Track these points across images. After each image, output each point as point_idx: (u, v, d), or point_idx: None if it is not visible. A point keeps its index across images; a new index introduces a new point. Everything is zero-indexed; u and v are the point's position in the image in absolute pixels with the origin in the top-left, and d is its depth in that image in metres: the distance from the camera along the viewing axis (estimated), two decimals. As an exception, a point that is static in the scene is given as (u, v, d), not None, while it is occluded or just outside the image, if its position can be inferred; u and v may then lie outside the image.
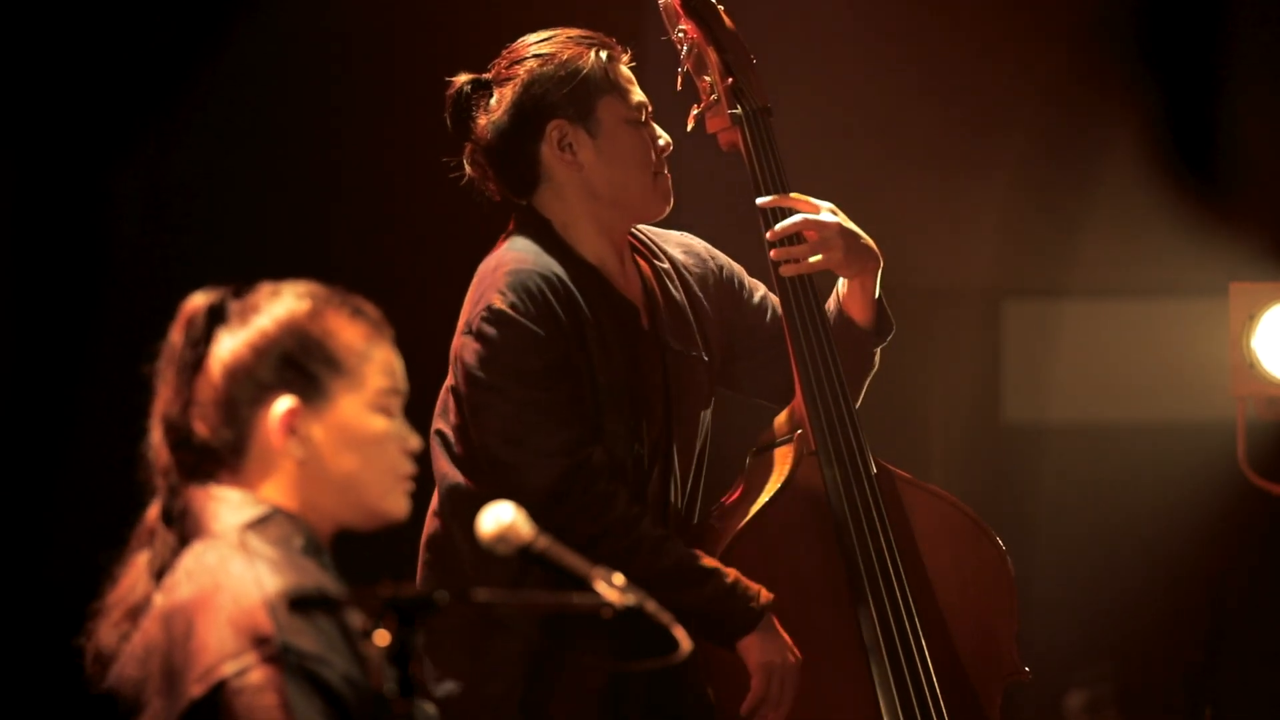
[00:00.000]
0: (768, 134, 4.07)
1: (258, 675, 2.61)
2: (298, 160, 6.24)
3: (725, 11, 4.14)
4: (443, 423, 3.89)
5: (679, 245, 4.13)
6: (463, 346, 3.81)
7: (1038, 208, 7.08)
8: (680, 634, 2.77)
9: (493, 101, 3.90)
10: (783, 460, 4.02)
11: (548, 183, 3.93)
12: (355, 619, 2.70)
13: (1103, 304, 7.27)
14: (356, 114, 6.34)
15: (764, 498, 3.97)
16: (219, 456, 2.80)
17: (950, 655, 3.96)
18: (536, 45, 3.92)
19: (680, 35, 4.13)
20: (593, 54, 3.90)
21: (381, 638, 2.60)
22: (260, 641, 2.62)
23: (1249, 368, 5.71)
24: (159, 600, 2.74)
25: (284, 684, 2.60)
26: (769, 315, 4.16)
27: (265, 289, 2.85)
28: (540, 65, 3.89)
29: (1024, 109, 6.99)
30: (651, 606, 2.75)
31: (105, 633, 2.80)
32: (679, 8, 4.12)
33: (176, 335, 2.83)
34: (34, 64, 5.87)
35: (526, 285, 3.80)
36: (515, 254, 3.87)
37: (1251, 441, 5.87)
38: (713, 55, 4.10)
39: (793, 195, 4.04)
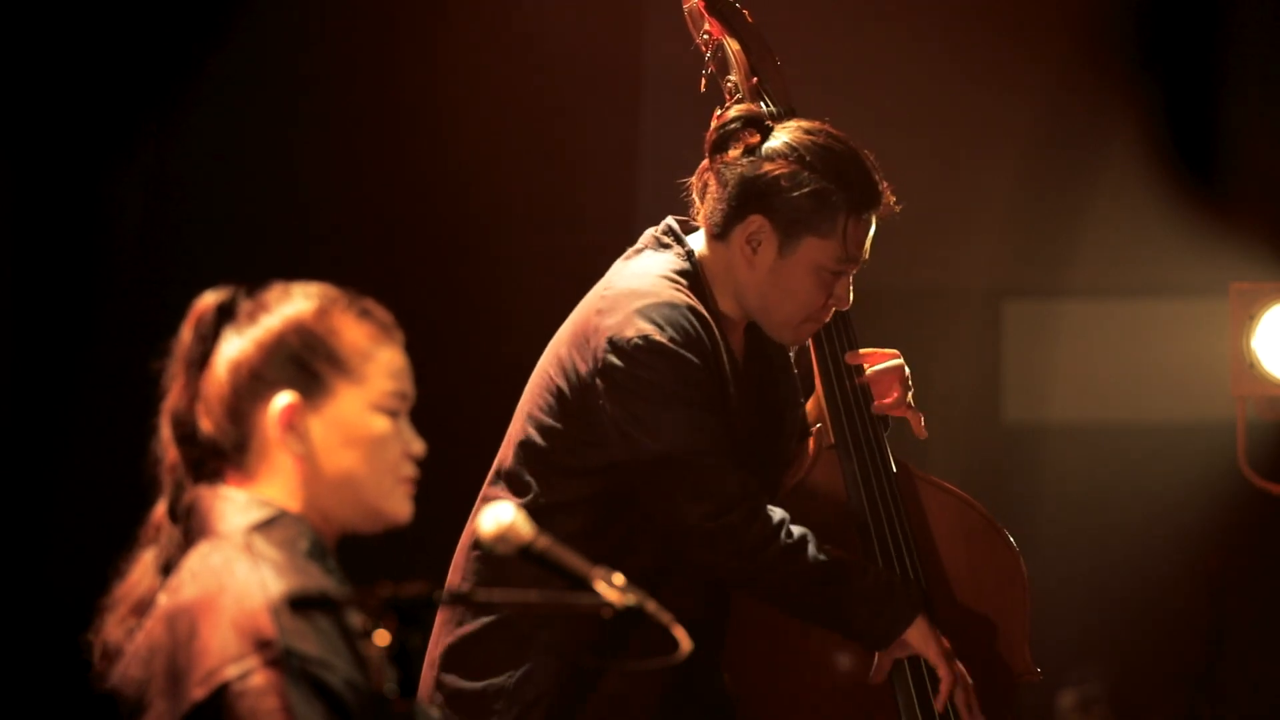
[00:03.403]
0: None
1: (260, 679, 2.61)
2: (298, 160, 6.24)
3: (749, 14, 4.15)
4: (532, 427, 3.89)
5: None
6: (611, 367, 3.78)
7: (1038, 208, 7.09)
8: (680, 634, 2.77)
9: (751, 151, 3.87)
10: (800, 454, 4.03)
11: (724, 247, 3.91)
12: (357, 621, 2.70)
13: (1103, 304, 7.27)
14: (358, 114, 6.34)
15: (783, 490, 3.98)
16: (224, 453, 2.80)
17: (966, 653, 3.96)
18: (814, 151, 3.86)
19: (705, 38, 4.14)
20: (843, 197, 3.85)
21: (381, 638, 2.60)
22: (263, 645, 2.62)
23: (1249, 368, 5.71)
24: (163, 600, 2.74)
25: (286, 688, 2.60)
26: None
27: (276, 289, 2.86)
28: (795, 170, 3.85)
29: (1024, 109, 7.00)
30: (652, 606, 2.75)
31: (112, 627, 2.81)
32: (703, 9, 4.13)
33: (186, 332, 2.84)
34: (33, 64, 5.87)
35: (681, 323, 3.80)
36: (656, 281, 3.87)
37: (1251, 441, 5.87)
38: (738, 56, 4.11)
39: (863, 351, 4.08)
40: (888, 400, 4.03)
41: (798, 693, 3.93)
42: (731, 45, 4.12)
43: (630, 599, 2.74)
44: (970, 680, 3.89)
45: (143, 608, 2.78)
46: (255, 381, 2.79)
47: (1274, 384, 5.71)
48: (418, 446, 2.85)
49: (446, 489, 4.01)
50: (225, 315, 2.83)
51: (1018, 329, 7.29)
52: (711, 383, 3.82)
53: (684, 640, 2.77)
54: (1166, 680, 7.10)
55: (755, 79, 4.09)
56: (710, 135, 3.92)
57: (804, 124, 3.92)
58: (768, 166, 3.86)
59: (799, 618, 3.87)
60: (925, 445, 3.99)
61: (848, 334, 4.05)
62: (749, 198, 3.86)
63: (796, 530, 3.80)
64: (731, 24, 4.14)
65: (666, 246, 3.94)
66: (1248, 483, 5.90)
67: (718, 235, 3.91)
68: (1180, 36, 6.94)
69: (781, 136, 3.88)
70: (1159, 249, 6.97)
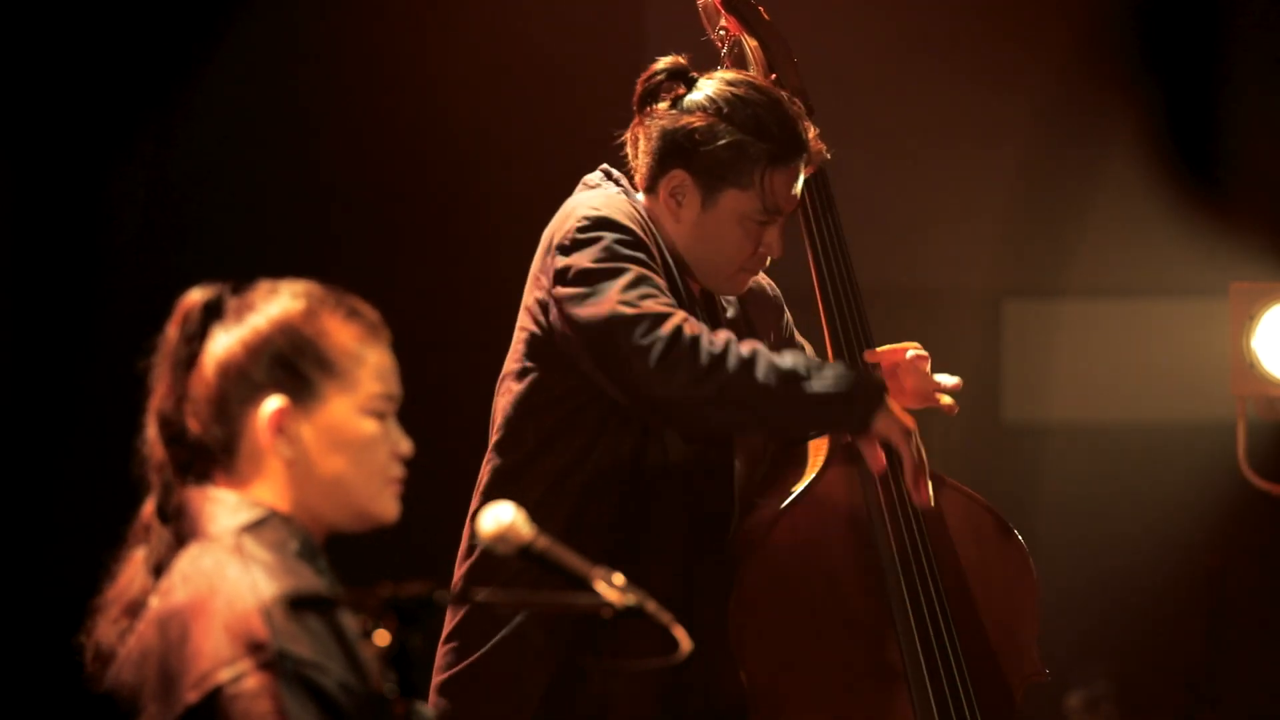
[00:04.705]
0: None
1: (253, 682, 2.60)
2: (297, 160, 6.24)
3: (764, 10, 4.16)
4: (510, 381, 3.89)
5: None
6: (559, 260, 3.78)
7: (1038, 208, 7.09)
8: (680, 634, 2.77)
9: (674, 105, 3.89)
10: (815, 452, 4.03)
11: (654, 201, 3.94)
12: (351, 622, 2.69)
13: (1103, 304, 7.27)
14: (356, 114, 6.34)
15: (797, 487, 3.97)
16: (212, 454, 2.79)
17: (978, 653, 3.97)
18: (735, 103, 3.87)
19: (721, 34, 4.15)
20: (760, 149, 3.86)
21: (381, 638, 2.60)
22: (256, 648, 2.61)
23: (1249, 368, 5.71)
24: (154, 603, 2.73)
25: (279, 690, 2.59)
26: None
27: (263, 287, 2.84)
28: (713, 122, 3.87)
29: (1024, 109, 7.00)
30: (652, 606, 2.75)
31: (104, 629, 2.80)
32: (719, 5, 4.14)
33: (172, 330, 2.83)
34: (34, 64, 5.87)
35: (619, 208, 3.82)
36: (606, 195, 3.89)
37: (1251, 441, 5.87)
38: (756, 51, 4.12)
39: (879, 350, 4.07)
40: (905, 396, 4.04)
41: (814, 686, 3.93)
42: (749, 42, 4.14)
43: (630, 599, 2.74)
44: (925, 460, 3.86)
45: (135, 608, 2.77)
46: (243, 383, 2.78)
47: (1274, 384, 5.71)
48: (405, 447, 2.84)
49: (446, 489, 4.01)
50: (212, 313, 2.82)
51: (1018, 329, 7.28)
52: (650, 251, 3.79)
53: (684, 640, 2.76)
54: (1166, 680, 7.10)
55: (774, 75, 4.10)
56: (638, 89, 3.94)
57: (728, 74, 3.94)
58: (686, 120, 3.88)
59: (775, 429, 3.85)
60: (926, 445, 4.00)
61: (864, 331, 4.05)
62: (669, 152, 3.88)
63: (746, 346, 3.73)
64: (749, 21, 4.15)
65: (594, 186, 3.96)
66: (1248, 483, 5.90)
67: (648, 189, 3.94)
68: (1180, 37, 6.94)
69: (704, 89, 3.90)
70: (1159, 249, 6.97)
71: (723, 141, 3.86)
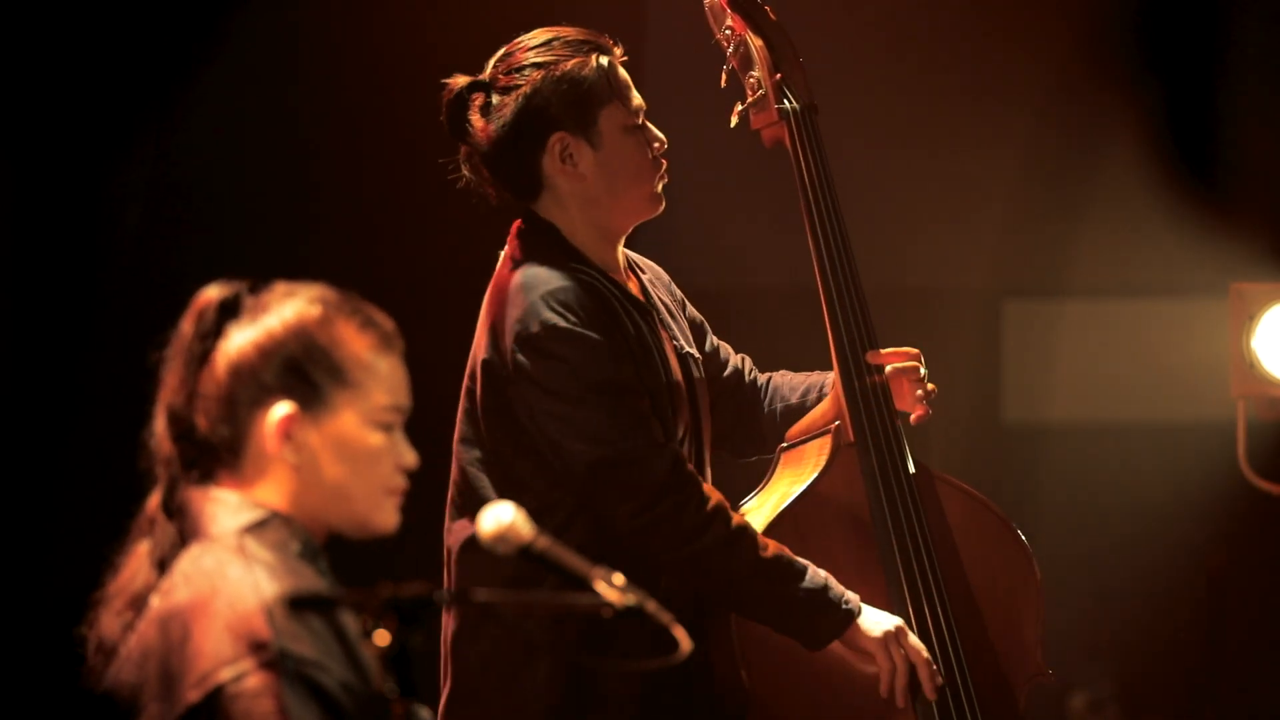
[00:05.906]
0: (815, 131, 4.10)
1: (255, 681, 2.60)
2: (298, 160, 6.24)
3: (771, 9, 4.17)
4: (476, 450, 3.88)
5: (642, 260, 4.15)
6: (522, 365, 3.77)
7: (1038, 208, 7.09)
8: (680, 634, 2.77)
9: (491, 108, 3.89)
10: (818, 452, 4.03)
11: (549, 191, 3.92)
12: (352, 622, 2.69)
13: (1103, 304, 7.27)
14: (357, 114, 6.34)
15: (799, 488, 3.98)
16: (217, 453, 2.79)
17: (980, 653, 3.97)
18: (536, 53, 3.91)
19: (727, 33, 4.16)
20: (594, 61, 3.89)
21: (381, 638, 2.60)
22: (257, 647, 2.61)
23: (1249, 368, 5.71)
24: (155, 603, 2.73)
25: (281, 690, 2.59)
26: (719, 355, 4.21)
27: (280, 289, 2.84)
28: (541, 76, 3.87)
29: (1025, 109, 7.00)
30: (652, 606, 2.75)
31: (107, 621, 2.80)
32: (726, 6, 4.15)
33: (187, 326, 2.82)
34: (34, 63, 5.87)
35: (573, 301, 3.79)
36: (541, 270, 3.86)
37: (1251, 441, 5.87)
38: (761, 51, 4.13)
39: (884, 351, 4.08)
40: (904, 399, 4.05)
41: (815, 685, 3.93)
42: (755, 42, 4.14)
43: (630, 599, 2.74)
44: (925, 655, 3.88)
45: (139, 602, 2.77)
46: (254, 386, 2.78)
47: (1274, 384, 5.71)
48: (410, 458, 2.84)
49: (446, 490, 4.01)
50: (228, 311, 2.82)
51: (1018, 329, 7.28)
52: (623, 353, 3.80)
53: (684, 640, 2.76)
54: (1167, 680, 7.10)
55: (779, 75, 4.11)
56: (445, 125, 3.95)
57: (504, 50, 3.95)
58: (519, 95, 3.87)
59: (733, 611, 3.86)
60: (925, 445, 4.01)
61: (868, 332, 4.05)
62: (530, 131, 3.88)
63: (735, 522, 3.79)
64: (755, 20, 4.16)
65: (532, 250, 3.92)
66: (1248, 483, 5.90)
67: (535, 191, 3.92)
68: (1180, 36, 6.94)
69: (505, 72, 3.91)
70: (1159, 249, 6.97)
71: (564, 78, 3.87)
